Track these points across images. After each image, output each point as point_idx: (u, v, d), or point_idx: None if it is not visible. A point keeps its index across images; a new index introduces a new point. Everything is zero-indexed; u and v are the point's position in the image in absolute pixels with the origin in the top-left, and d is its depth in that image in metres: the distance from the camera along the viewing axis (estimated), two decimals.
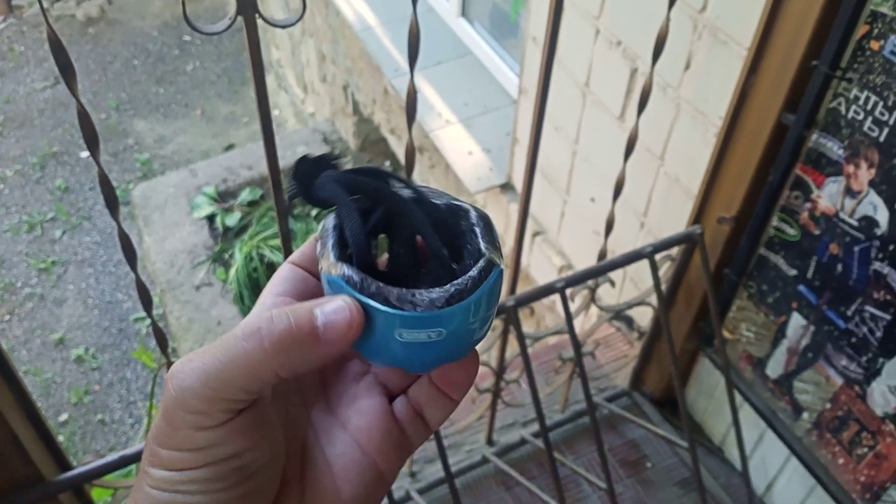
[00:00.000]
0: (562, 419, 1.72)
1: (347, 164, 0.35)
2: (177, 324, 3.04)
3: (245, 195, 3.50)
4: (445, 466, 1.31)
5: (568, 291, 1.30)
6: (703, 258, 1.35)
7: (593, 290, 1.42)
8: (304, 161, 0.34)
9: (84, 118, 0.73)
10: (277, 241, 3.19)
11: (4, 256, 3.68)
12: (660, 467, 1.68)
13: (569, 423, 1.73)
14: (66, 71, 0.68)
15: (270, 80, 4.62)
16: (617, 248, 1.78)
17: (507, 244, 2.32)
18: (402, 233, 0.35)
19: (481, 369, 1.45)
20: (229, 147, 4.19)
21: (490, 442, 1.67)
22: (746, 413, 1.49)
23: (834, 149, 1.12)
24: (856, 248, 1.13)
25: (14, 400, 0.91)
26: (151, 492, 0.31)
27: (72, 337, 3.37)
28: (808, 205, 1.19)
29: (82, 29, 5.04)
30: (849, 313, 1.18)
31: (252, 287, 3.09)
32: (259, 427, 0.32)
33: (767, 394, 1.41)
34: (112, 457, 1.01)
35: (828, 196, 1.15)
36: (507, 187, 2.34)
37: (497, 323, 1.41)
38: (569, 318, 1.30)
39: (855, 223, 1.12)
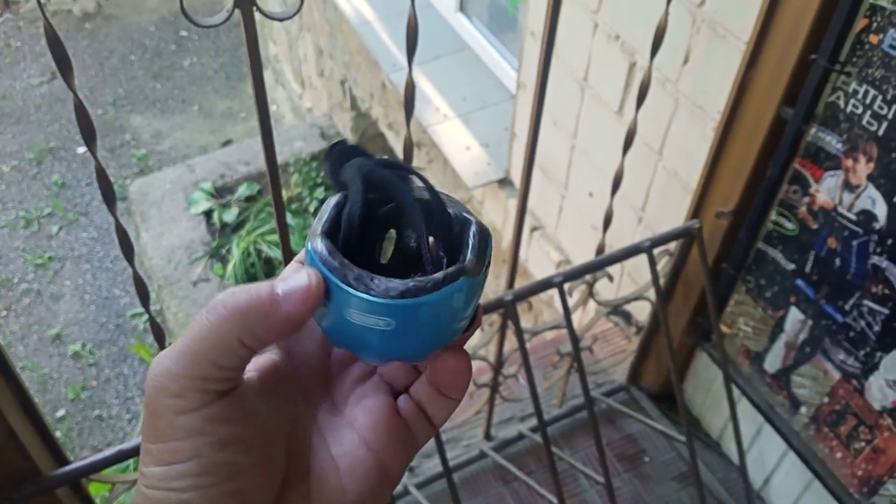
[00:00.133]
0: (560, 414, 1.72)
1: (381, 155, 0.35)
2: (174, 319, 3.03)
3: (242, 191, 3.50)
4: (443, 461, 1.31)
5: (566, 286, 1.30)
6: (701, 253, 1.35)
7: (591, 285, 1.42)
8: (338, 145, 0.34)
9: (81, 112, 0.73)
10: (275, 237, 3.18)
11: (1, 252, 3.67)
12: (657, 462, 1.68)
13: (567, 417, 1.73)
14: (63, 64, 0.68)
15: (268, 76, 4.61)
16: (615, 243, 1.78)
17: (506, 239, 2.32)
18: (405, 231, 0.35)
19: (479, 364, 1.45)
20: (226, 143, 4.18)
21: (488, 437, 1.67)
22: (744, 407, 1.50)
23: (832, 143, 1.12)
24: (854, 243, 1.13)
25: (11, 394, 0.91)
26: (146, 491, 0.31)
27: (69, 333, 3.36)
28: (806, 199, 1.19)
29: (79, 24, 5.03)
30: (847, 307, 1.18)
31: (249, 282, 3.09)
32: (242, 417, 0.32)
33: (765, 388, 1.41)
34: (109, 451, 1.01)
35: (826, 190, 1.15)
36: (505, 182, 2.34)
37: (495, 318, 1.41)
38: (567, 312, 1.30)
39: (853, 217, 1.12)
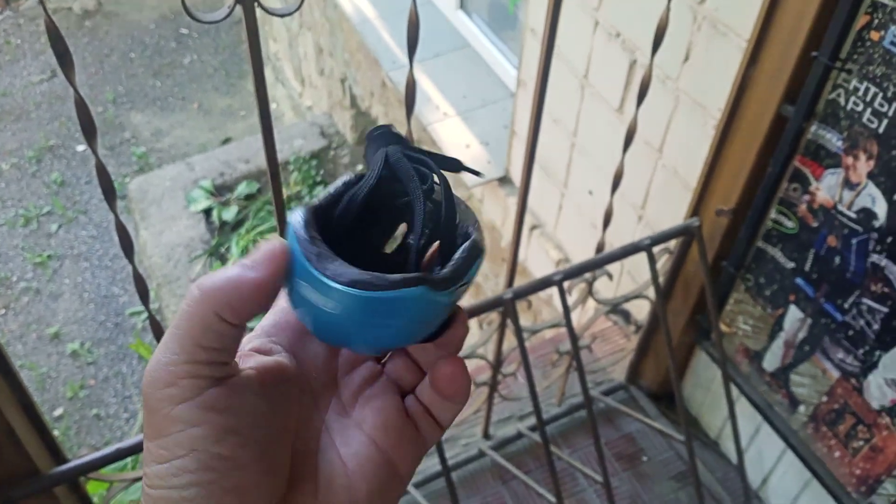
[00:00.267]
0: (558, 413, 1.72)
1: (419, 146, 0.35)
2: (173, 318, 3.03)
3: (242, 189, 3.49)
4: (442, 460, 1.31)
5: (565, 284, 1.30)
6: (700, 251, 1.35)
7: (591, 283, 1.42)
8: (381, 128, 0.34)
9: (82, 108, 0.73)
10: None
11: (0, 250, 3.67)
12: (656, 461, 1.68)
13: (565, 416, 1.73)
14: (64, 60, 0.68)
15: (268, 74, 4.61)
16: (615, 242, 1.77)
17: (505, 238, 2.31)
18: (411, 228, 0.35)
19: (478, 362, 1.45)
20: (226, 141, 4.18)
21: (486, 435, 1.67)
22: (743, 406, 1.49)
23: (833, 140, 1.12)
24: (854, 241, 1.13)
25: (10, 392, 0.91)
26: (148, 491, 0.31)
27: (67, 331, 3.36)
28: (806, 197, 1.19)
29: (79, 22, 5.02)
30: (846, 306, 1.18)
31: None
32: (238, 408, 0.32)
33: (764, 387, 1.41)
34: (108, 450, 1.00)
35: (826, 188, 1.15)
36: (504, 181, 2.34)
37: (494, 316, 1.40)
38: (566, 310, 1.30)
39: (853, 215, 1.12)
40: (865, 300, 1.14)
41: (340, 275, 0.31)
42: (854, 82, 1.05)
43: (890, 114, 1.02)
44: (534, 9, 1.91)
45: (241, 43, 4.80)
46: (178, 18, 5.05)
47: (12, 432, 0.90)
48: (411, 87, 0.89)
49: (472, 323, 1.88)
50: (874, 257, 1.11)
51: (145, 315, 3.39)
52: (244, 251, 3.17)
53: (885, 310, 1.12)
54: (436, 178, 0.34)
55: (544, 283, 1.28)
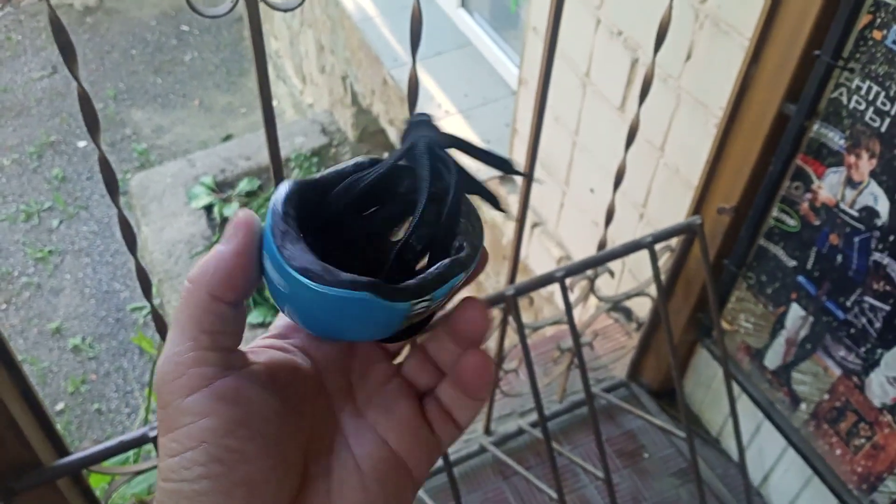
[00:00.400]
0: (560, 409, 1.72)
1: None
2: (174, 312, 3.03)
3: (243, 185, 3.49)
4: (443, 455, 1.32)
5: (567, 281, 1.30)
6: (702, 249, 1.35)
7: (592, 281, 1.42)
8: (419, 116, 0.34)
9: (85, 101, 0.73)
10: None
11: (1, 245, 3.67)
12: (657, 458, 1.68)
13: (567, 413, 1.73)
14: (67, 51, 0.68)
15: (269, 71, 4.60)
16: (616, 240, 1.78)
17: (506, 235, 2.32)
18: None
19: None
20: (227, 137, 4.18)
21: (488, 431, 1.68)
22: (744, 404, 1.50)
23: (835, 139, 1.12)
24: (856, 239, 1.13)
25: (12, 384, 0.91)
26: (161, 485, 0.32)
27: (68, 326, 3.36)
28: (808, 195, 1.19)
29: (80, 18, 5.02)
30: (848, 304, 1.18)
31: None
32: (246, 399, 0.32)
33: (765, 385, 1.41)
34: (110, 443, 1.01)
35: (828, 186, 1.15)
36: (506, 178, 2.34)
37: (496, 312, 1.41)
38: (568, 307, 1.30)
39: (855, 214, 1.12)
40: (867, 298, 1.15)
41: (294, 259, 0.30)
42: (856, 81, 1.06)
43: (892, 112, 1.02)
44: (536, 7, 1.91)
45: (241, 40, 4.80)
46: (179, 15, 5.04)
47: (15, 424, 0.90)
48: (414, 82, 0.89)
49: None
50: (876, 255, 1.11)
51: (146, 311, 3.39)
52: None
53: (887, 308, 1.12)
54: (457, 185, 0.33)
55: (546, 280, 1.28)
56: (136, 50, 4.80)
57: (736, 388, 1.47)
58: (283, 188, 0.32)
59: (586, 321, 1.58)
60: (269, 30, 4.51)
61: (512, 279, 1.33)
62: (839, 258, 1.17)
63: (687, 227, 1.38)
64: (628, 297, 1.50)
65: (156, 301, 3.21)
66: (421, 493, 1.55)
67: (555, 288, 1.28)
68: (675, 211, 1.58)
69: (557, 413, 1.72)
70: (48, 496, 1.01)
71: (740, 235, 1.34)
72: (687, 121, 1.53)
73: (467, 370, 0.35)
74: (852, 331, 1.19)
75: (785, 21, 1.10)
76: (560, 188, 2.07)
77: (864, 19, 1.02)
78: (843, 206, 1.14)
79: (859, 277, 1.15)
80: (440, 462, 1.36)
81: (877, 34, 1.01)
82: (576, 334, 1.34)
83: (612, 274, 1.45)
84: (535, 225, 2.25)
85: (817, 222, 1.19)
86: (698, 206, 1.39)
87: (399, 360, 0.39)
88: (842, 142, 1.11)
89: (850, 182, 1.11)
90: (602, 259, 1.33)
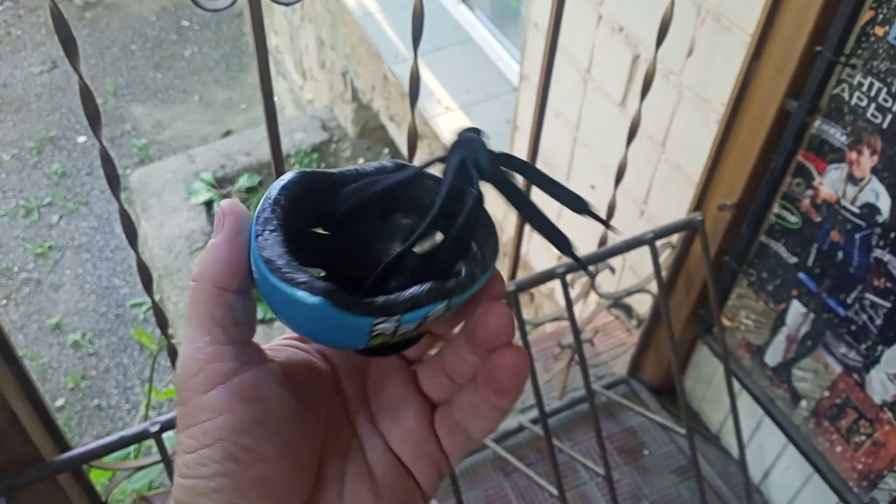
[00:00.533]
0: (560, 406, 1.73)
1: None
2: (174, 310, 3.03)
3: (243, 181, 3.49)
4: None
5: (568, 277, 1.30)
6: (703, 245, 1.35)
7: (593, 277, 1.42)
8: (471, 130, 0.32)
9: (86, 94, 0.73)
10: None
11: (1, 241, 3.67)
12: (657, 454, 1.68)
13: (567, 409, 1.73)
14: (69, 45, 0.68)
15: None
16: (617, 236, 1.78)
17: (507, 232, 2.31)
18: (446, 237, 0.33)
19: None
20: (227, 133, 4.17)
21: None
22: (744, 401, 1.50)
23: (836, 135, 1.12)
24: (857, 236, 1.13)
25: (14, 380, 0.91)
26: (178, 480, 0.32)
27: (68, 322, 3.36)
28: (809, 192, 1.19)
29: (80, 13, 5.01)
30: (849, 301, 1.18)
31: None
32: (263, 398, 0.32)
33: (766, 381, 1.41)
34: (111, 438, 1.01)
35: (829, 183, 1.15)
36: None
37: None
38: (569, 304, 1.30)
39: (856, 210, 1.12)
40: (868, 295, 1.15)
41: (264, 248, 0.30)
42: (858, 77, 1.05)
43: (894, 109, 1.02)
44: (537, 3, 1.91)
45: (241, 36, 4.79)
46: (179, 10, 5.04)
47: (16, 419, 0.90)
48: (415, 78, 0.89)
49: None
50: (877, 252, 1.11)
51: (146, 306, 3.39)
52: None
53: (888, 305, 1.12)
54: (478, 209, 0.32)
55: (547, 276, 1.28)
56: (136, 45, 4.79)
57: (736, 385, 1.47)
58: (286, 176, 0.32)
59: (587, 318, 1.58)
60: (269, 25, 4.50)
61: (512, 275, 1.33)
62: (840, 255, 1.17)
63: (688, 223, 1.37)
64: (629, 293, 1.50)
65: (155, 297, 3.21)
66: None
67: (555, 284, 1.28)
68: (676, 207, 1.58)
69: (558, 410, 1.72)
70: (49, 491, 1.01)
71: (741, 232, 1.34)
72: (688, 117, 1.52)
73: (501, 368, 0.33)
74: (853, 328, 1.19)
75: (787, 17, 1.10)
76: None
77: (866, 15, 1.02)
78: (844, 202, 1.13)
79: (860, 274, 1.15)
80: None
81: (879, 30, 1.01)
82: (576, 331, 1.34)
83: (612, 270, 1.45)
84: None
85: (818, 219, 1.19)
86: (699, 202, 1.39)
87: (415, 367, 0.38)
88: (843, 138, 1.11)
89: (851, 179, 1.11)
90: (603, 255, 1.33)
